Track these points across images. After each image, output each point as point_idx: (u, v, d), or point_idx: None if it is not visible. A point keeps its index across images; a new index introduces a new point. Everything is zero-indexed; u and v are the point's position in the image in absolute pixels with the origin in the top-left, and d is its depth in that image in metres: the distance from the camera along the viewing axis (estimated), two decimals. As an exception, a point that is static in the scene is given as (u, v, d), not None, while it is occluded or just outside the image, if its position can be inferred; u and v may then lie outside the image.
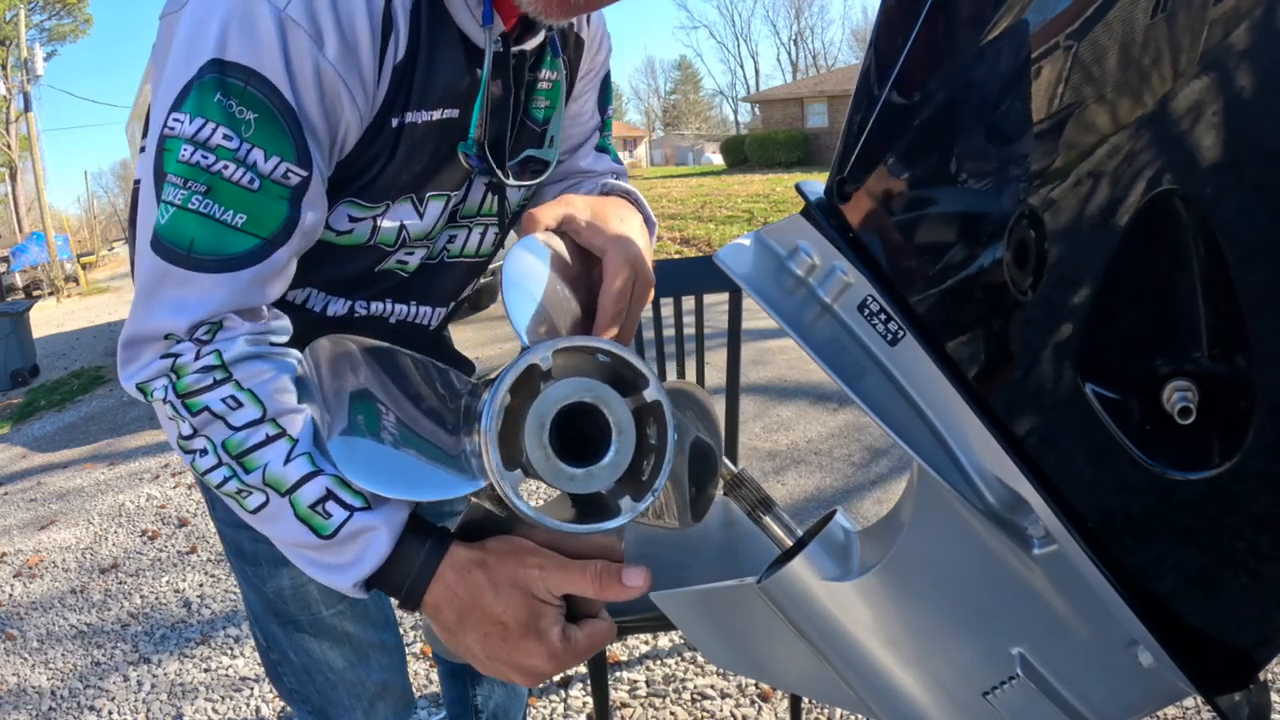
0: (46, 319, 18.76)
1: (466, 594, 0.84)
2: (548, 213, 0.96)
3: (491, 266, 1.27)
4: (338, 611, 1.31)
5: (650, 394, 0.76)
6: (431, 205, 1.14)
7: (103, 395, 8.83)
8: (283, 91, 0.91)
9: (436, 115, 1.06)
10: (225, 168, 0.90)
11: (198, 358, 0.90)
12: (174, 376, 0.90)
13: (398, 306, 1.23)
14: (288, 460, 0.87)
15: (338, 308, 1.18)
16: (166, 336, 0.91)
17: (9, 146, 41.31)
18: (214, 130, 0.89)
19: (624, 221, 1.02)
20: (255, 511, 0.89)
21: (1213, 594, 0.71)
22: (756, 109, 45.13)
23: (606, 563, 0.83)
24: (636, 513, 0.77)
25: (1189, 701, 2.35)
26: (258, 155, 0.91)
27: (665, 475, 0.77)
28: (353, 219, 1.08)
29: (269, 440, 0.87)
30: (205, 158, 0.89)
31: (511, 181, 1.19)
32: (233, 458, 0.87)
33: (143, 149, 0.98)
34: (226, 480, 0.88)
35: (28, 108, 28.68)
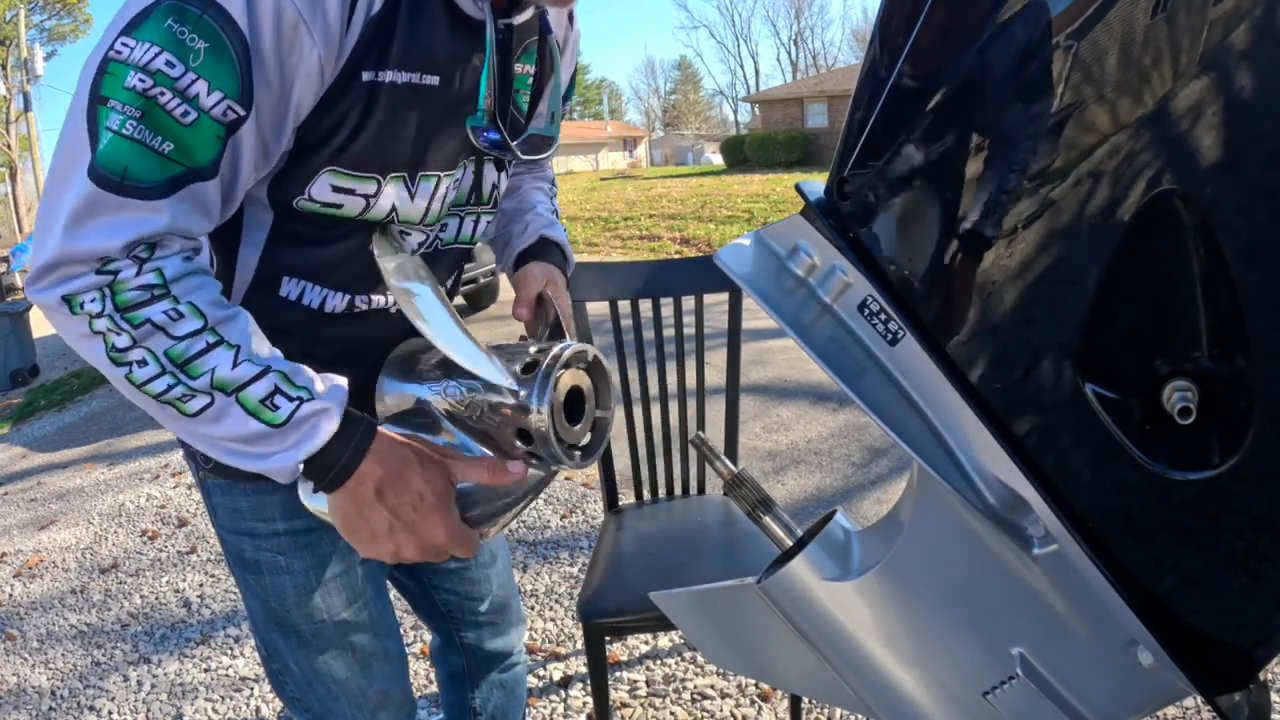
0: (46, 319, 18.75)
1: (395, 466, 1.00)
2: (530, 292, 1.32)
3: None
4: (341, 620, 1.30)
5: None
6: (422, 186, 1.12)
7: (103, 395, 8.83)
8: (239, 24, 0.90)
9: (415, 79, 1.05)
10: (161, 94, 0.89)
11: (139, 274, 0.92)
12: (110, 291, 0.91)
13: None
14: (235, 364, 0.95)
15: (336, 302, 1.16)
16: (101, 259, 0.91)
17: (9, 146, 41.32)
18: (157, 55, 0.88)
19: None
20: (196, 414, 0.95)
21: (1212, 594, 0.71)
22: (756, 109, 45.13)
23: (495, 458, 1.04)
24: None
25: (1189, 701, 2.35)
26: (200, 87, 0.90)
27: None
28: (337, 189, 1.06)
29: (210, 348, 0.94)
30: (144, 82, 0.88)
31: (522, 156, 1.20)
32: (177, 366, 0.93)
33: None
34: (170, 388, 0.93)
35: (28, 108, 28.73)
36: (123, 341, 0.92)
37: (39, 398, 9.31)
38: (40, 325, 11.20)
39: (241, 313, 0.99)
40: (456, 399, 1.06)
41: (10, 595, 4.12)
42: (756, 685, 2.62)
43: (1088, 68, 0.63)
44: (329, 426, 0.97)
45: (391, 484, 1.00)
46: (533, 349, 1.07)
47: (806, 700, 2.35)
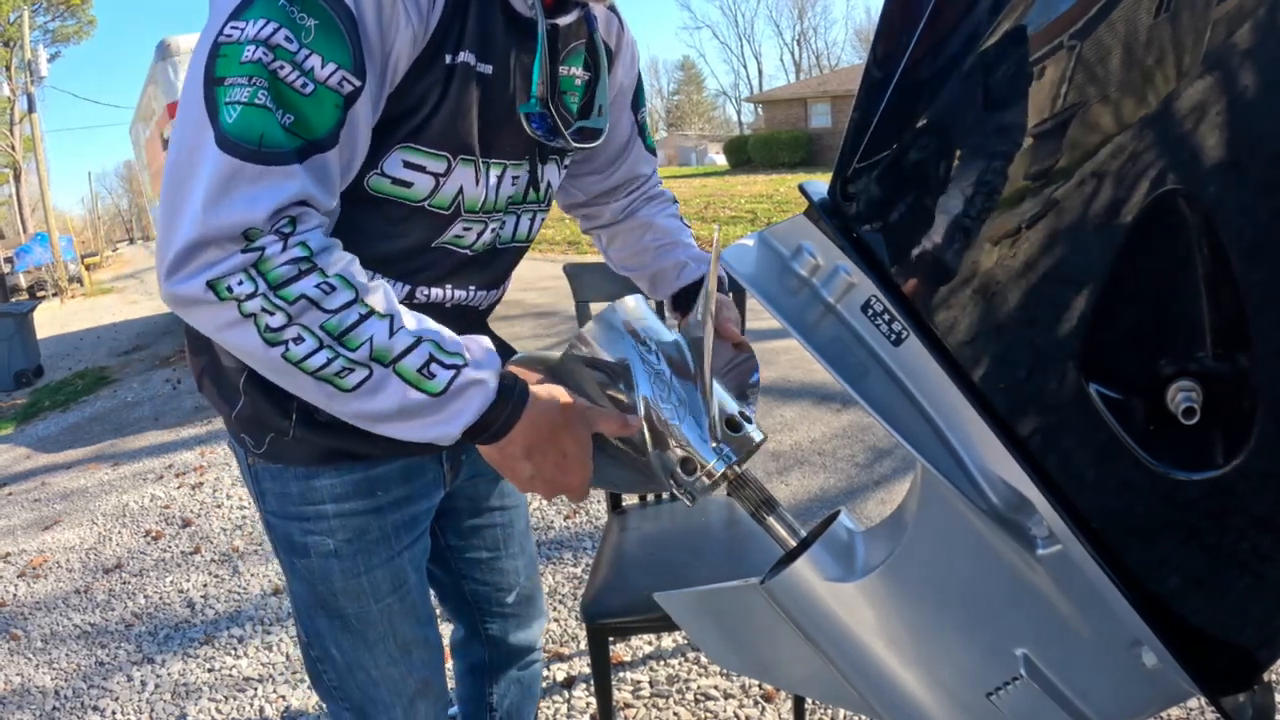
0: (50, 320, 18.79)
1: (545, 429, 1.03)
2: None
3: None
4: (385, 605, 1.32)
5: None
6: (491, 173, 1.16)
7: (106, 396, 8.84)
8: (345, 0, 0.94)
9: (480, 66, 1.10)
10: (281, 67, 0.92)
11: (285, 249, 0.92)
12: (259, 270, 0.91)
13: (456, 292, 1.25)
14: (392, 334, 0.95)
15: (396, 292, 1.19)
16: (245, 233, 0.90)
17: (13, 148, 41.37)
18: (275, 31, 0.92)
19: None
20: (354, 389, 0.95)
21: (1216, 595, 0.71)
22: (760, 109, 45.09)
23: (624, 415, 1.05)
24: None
25: (1193, 702, 2.35)
26: (315, 61, 0.93)
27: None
28: (409, 165, 1.09)
29: (363, 319, 0.94)
30: (266, 55, 0.91)
31: (574, 145, 1.23)
32: (334, 338, 0.93)
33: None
34: (329, 362, 0.94)
35: (32, 109, 28.74)
36: (277, 320, 0.92)
37: (43, 398, 9.32)
38: (44, 326, 11.22)
39: (384, 284, 0.99)
40: (657, 396, 1.04)
41: (14, 595, 4.12)
42: (760, 686, 2.62)
43: (1091, 67, 0.63)
44: (485, 396, 0.99)
45: (540, 446, 1.04)
46: (737, 409, 1.05)
47: (810, 701, 2.35)
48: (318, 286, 0.93)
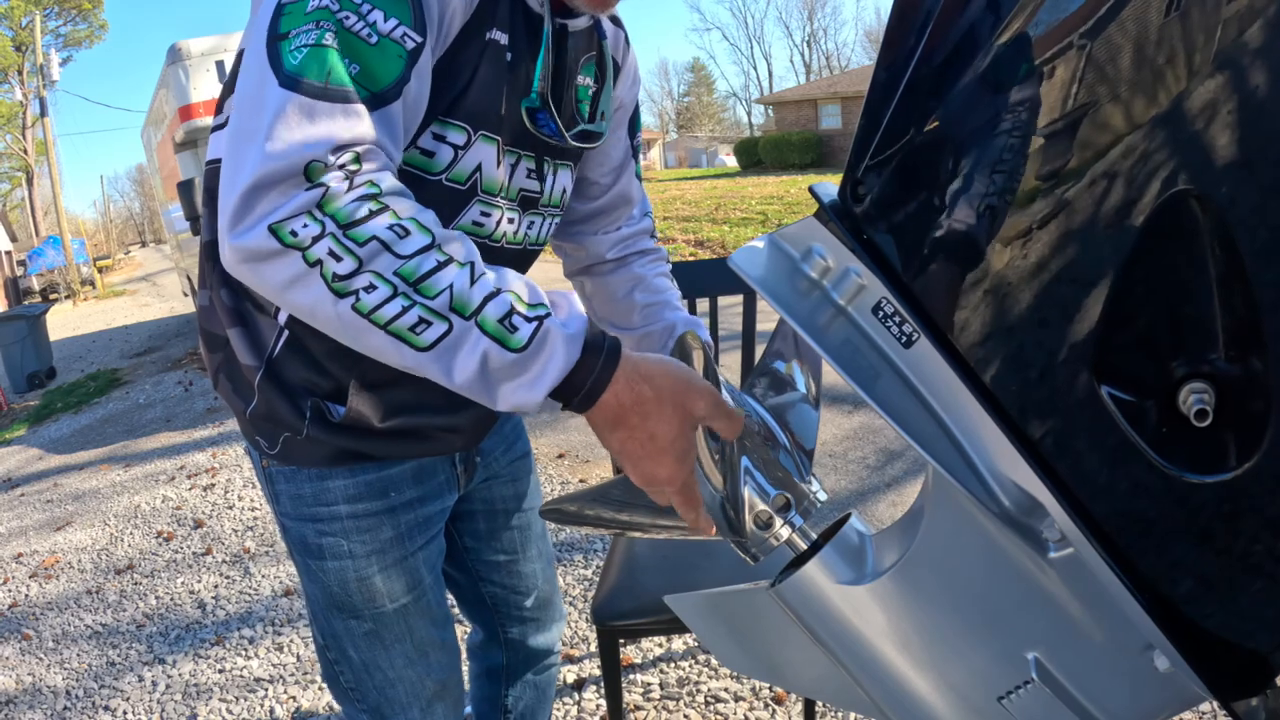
0: (63, 322, 18.88)
1: (631, 403, 0.90)
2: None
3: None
4: (401, 606, 1.32)
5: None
6: (506, 158, 1.16)
7: (119, 397, 8.88)
8: None
9: (507, 45, 1.11)
10: (346, 16, 0.91)
11: (351, 187, 0.85)
12: (325, 211, 0.83)
13: None
14: (473, 281, 0.86)
15: None
16: (308, 168, 0.84)
17: (26, 151, 41.58)
18: None
19: None
20: (432, 345, 0.86)
21: (1229, 598, 0.70)
22: (770, 111, 45.07)
23: (738, 417, 0.94)
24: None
25: (1205, 706, 2.33)
26: (378, 15, 0.93)
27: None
28: (436, 136, 1.08)
29: (441, 265, 0.85)
30: (333, 4, 0.91)
31: (570, 142, 1.23)
32: (411, 285, 0.84)
33: (240, 51, 0.99)
34: (405, 310, 0.84)
35: (44, 113, 28.87)
36: (346, 266, 0.83)
37: (55, 400, 9.37)
38: (56, 328, 11.25)
39: (461, 234, 0.91)
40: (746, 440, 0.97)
41: (26, 595, 4.14)
42: (770, 689, 2.61)
43: (1101, 67, 0.62)
44: (571, 354, 0.88)
45: (625, 421, 0.92)
46: (815, 488, 0.99)
47: (820, 704, 2.35)
48: (390, 228, 0.85)
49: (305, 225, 0.83)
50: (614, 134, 1.41)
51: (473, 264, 0.87)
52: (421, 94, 0.99)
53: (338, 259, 0.83)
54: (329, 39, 0.89)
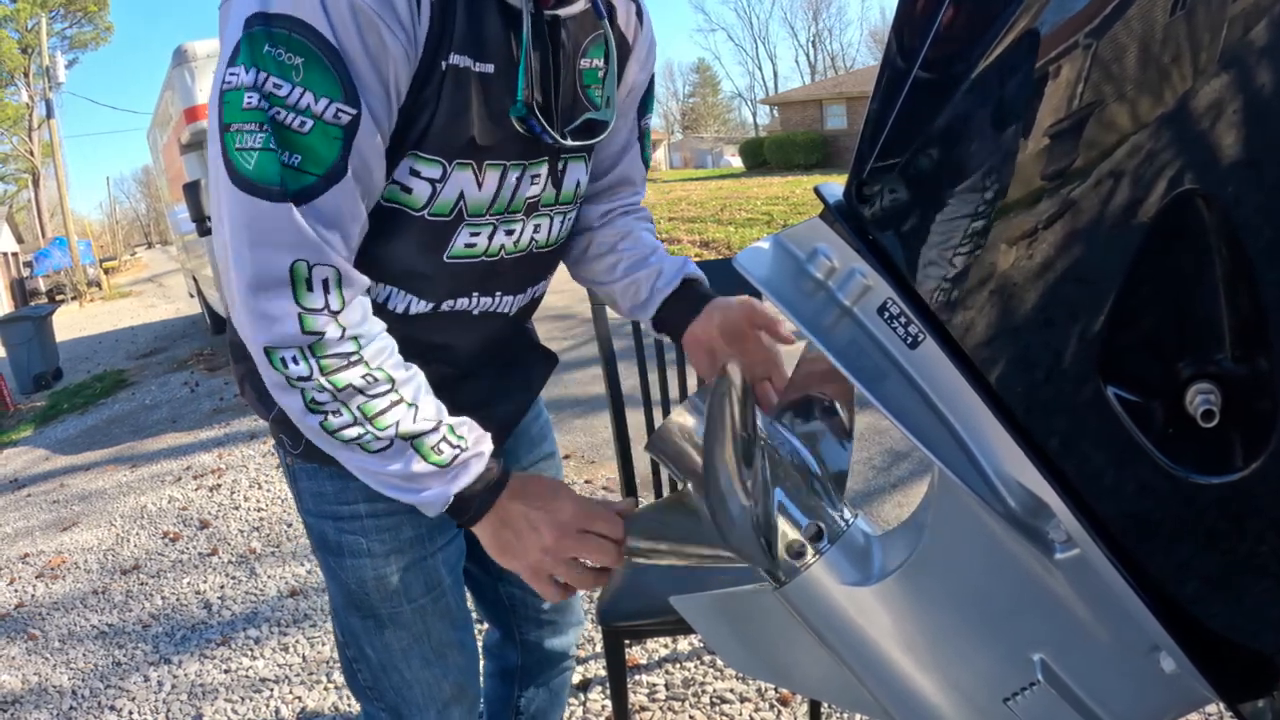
0: (69, 323, 18.91)
1: (516, 515, 1.14)
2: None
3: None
4: (419, 606, 1.33)
5: None
6: (489, 175, 1.14)
7: (125, 398, 8.90)
8: (324, 34, 0.95)
9: (474, 65, 1.09)
10: (278, 113, 0.95)
11: (341, 339, 1.03)
12: (313, 353, 1.02)
13: (482, 299, 1.25)
14: (416, 420, 1.07)
15: (421, 307, 1.20)
16: (292, 266, 0.99)
17: (32, 153, 41.66)
18: (265, 79, 0.95)
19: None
20: (376, 451, 1.07)
21: (1235, 599, 0.70)
22: (775, 111, 45.04)
23: (616, 514, 1.16)
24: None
25: (1211, 708, 2.33)
26: (308, 99, 0.96)
27: None
28: (414, 173, 1.10)
29: (394, 405, 1.06)
30: (262, 103, 0.95)
31: (568, 143, 1.21)
32: (368, 419, 1.06)
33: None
34: (360, 436, 1.06)
35: (50, 114, 28.93)
36: (323, 398, 1.04)
37: (62, 400, 9.39)
38: (63, 329, 11.28)
39: (417, 373, 1.11)
40: (772, 463, 0.97)
41: (33, 595, 4.15)
42: (776, 690, 2.61)
43: (1107, 66, 0.62)
44: (478, 467, 1.11)
45: (512, 525, 1.15)
46: (847, 515, 0.96)
47: (826, 705, 2.34)
48: (363, 377, 1.05)
49: (295, 361, 1.02)
50: (620, 119, 1.37)
51: (417, 406, 1.08)
52: (369, 157, 1.03)
53: (319, 391, 1.04)
54: (274, 143, 0.96)
